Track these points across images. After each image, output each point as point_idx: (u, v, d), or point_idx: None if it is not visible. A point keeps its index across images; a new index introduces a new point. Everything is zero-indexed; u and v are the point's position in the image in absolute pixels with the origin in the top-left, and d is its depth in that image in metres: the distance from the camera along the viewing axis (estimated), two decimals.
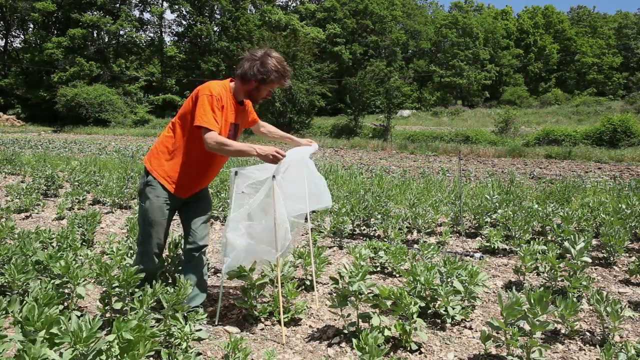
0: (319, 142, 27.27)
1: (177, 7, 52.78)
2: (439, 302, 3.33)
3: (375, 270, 4.45)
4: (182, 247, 3.33)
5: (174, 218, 3.26)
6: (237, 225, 3.12)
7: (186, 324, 2.67)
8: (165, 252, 3.79)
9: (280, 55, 3.12)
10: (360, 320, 3.07)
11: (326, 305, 3.60)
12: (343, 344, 3.01)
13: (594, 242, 5.28)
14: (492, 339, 2.78)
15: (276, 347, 2.98)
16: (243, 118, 3.27)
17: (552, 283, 3.86)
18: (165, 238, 3.16)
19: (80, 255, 3.89)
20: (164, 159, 3.05)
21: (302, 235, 4.26)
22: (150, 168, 3.06)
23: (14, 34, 52.55)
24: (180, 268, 3.61)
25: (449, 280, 3.46)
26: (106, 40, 50.70)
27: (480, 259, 4.87)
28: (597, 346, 2.96)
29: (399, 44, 58.36)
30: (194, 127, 2.91)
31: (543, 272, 4.15)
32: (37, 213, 6.89)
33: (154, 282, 2.83)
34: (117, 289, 2.97)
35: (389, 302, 2.95)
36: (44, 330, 1.98)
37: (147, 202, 3.03)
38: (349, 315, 3.20)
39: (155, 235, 3.07)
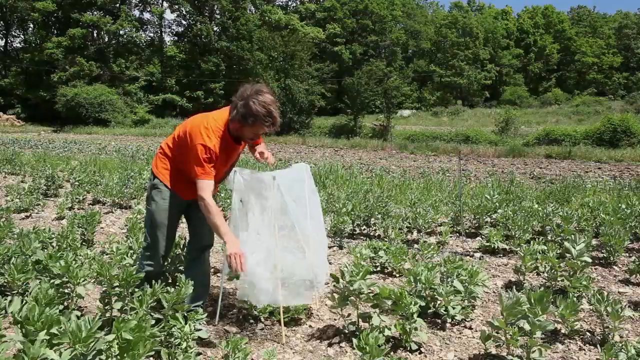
0: (318, 142, 27.45)
1: (177, 7, 52.76)
2: (439, 302, 3.32)
3: (375, 270, 4.45)
4: (187, 246, 3.34)
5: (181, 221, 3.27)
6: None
7: (186, 324, 2.67)
8: None
9: (272, 98, 2.86)
10: (360, 320, 3.07)
11: (326, 305, 3.60)
12: (343, 344, 3.01)
13: (594, 242, 5.27)
14: (492, 338, 2.78)
15: (276, 347, 2.98)
16: (240, 151, 3.22)
17: (552, 283, 3.86)
18: (172, 241, 3.16)
19: (80, 255, 3.89)
20: (168, 164, 3.08)
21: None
22: (156, 172, 3.08)
23: (14, 33, 52.53)
24: (180, 268, 3.62)
25: (449, 280, 3.46)
26: (106, 40, 50.66)
27: (480, 259, 4.87)
28: (597, 346, 2.96)
29: (399, 44, 58.35)
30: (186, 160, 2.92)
31: (543, 272, 4.15)
32: (37, 213, 6.89)
33: (153, 281, 2.83)
34: (117, 289, 2.97)
35: (389, 302, 2.95)
36: (44, 331, 1.98)
37: (153, 205, 3.04)
38: (349, 315, 3.20)
39: (162, 238, 3.07)
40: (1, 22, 50.30)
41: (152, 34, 55.28)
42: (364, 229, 6.06)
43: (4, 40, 51.42)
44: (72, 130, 37.12)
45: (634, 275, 4.23)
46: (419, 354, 2.91)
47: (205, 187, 2.82)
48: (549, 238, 5.17)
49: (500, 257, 4.98)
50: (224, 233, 2.85)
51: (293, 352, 2.94)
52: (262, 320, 3.35)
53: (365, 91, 31.49)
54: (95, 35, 49.77)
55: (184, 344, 2.61)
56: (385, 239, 5.38)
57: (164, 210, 3.03)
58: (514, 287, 3.83)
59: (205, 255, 3.22)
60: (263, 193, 3.11)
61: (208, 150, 2.81)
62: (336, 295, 3.06)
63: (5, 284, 3.30)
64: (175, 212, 3.10)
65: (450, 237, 5.70)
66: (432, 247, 4.41)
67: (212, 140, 2.84)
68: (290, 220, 3.12)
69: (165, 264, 3.46)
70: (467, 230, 6.02)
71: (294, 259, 3.15)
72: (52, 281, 3.06)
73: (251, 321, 3.35)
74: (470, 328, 3.26)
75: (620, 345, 2.57)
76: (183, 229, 3.75)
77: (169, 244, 3.12)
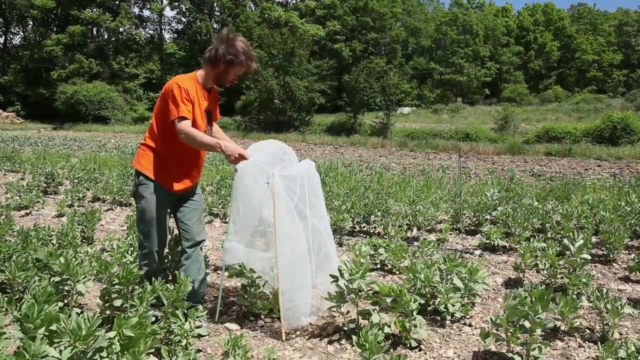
0: (318, 139, 27.43)
1: (176, 4, 52.67)
2: (438, 299, 3.33)
3: (375, 267, 4.45)
4: (181, 246, 3.34)
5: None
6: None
7: (186, 321, 2.68)
8: (166, 250, 3.79)
9: (247, 41, 3.09)
10: (360, 317, 3.08)
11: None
12: (343, 341, 3.01)
13: (593, 239, 5.28)
14: (492, 336, 2.79)
15: (276, 344, 2.98)
16: (214, 105, 3.26)
17: (552, 280, 3.87)
18: (165, 236, 3.16)
19: (80, 253, 3.89)
20: (152, 157, 3.06)
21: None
22: (140, 168, 3.06)
23: (13, 31, 52.48)
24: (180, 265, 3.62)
25: (448, 277, 3.46)
26: (106, 37, 50.59)
27: (480, 256, 4.88)
28: (597, 343, 2.96)
29: (399, 42, 58.21)
30: (170, 123, 2.91)
31: (543, 270, 4.15)
32: (37, 210, 6.89)
33: (153, 279, 2.84)
34: (117, 287, 2.97)
35: (388, 299, 2.95)
36: (44, 328, 1.98)
37: (142, 201, 3.04)
38: (348, 312, 3.21)
39: (155, 234, 3.07)
40: (0, 19, 50.17)
41: (151, 31, 55.27)
42: (364, 227, 6.06)
43: (3, 38, 51.39)
44: (72, 128, 37.09)
45: (634, 273, 4.23)
46: (419, 351, 2.91)
47: (184, 125, 2.86)
48: (549, 235, 5.17)
49: (500, 254, 4.98)
50: (215, 143, 2.92)
51: (293, 349, 2.95)
52: (262, 317, 3.35)
53: (364, 88, 31.39)
54: (94, 32, 49.70)
55: (184, 341, 2.61)
56: (385, 237, 5.38)
57: (153, 204, 3.03)
58: (514, 284, 3.84)
59: (198, 251, 3.24)
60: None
61: (183, 90, 2.89)
62: (335, 293, 3.07)
63: (5, 281, 3.31)
64: (165, 206, 3.10)
65: (450, 234, 5.70)
66: (432, 244, 4.41)
67: (184, 83, 2.93)
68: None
69: (166, 260, 3.46)
70: (467, 228, 6.02)
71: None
72: (52, 279, 3.07)
73: (251, 318, 3.35)
74: (470, 325, 3.26)
75: (620, 342, 2.57)
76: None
77: (162, 239, 3.12)
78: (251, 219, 3.19)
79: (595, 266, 4.57)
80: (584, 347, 2.96)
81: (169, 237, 3.33)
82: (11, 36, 52.62)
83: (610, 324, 3.00)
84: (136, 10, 52.88)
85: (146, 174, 3.03)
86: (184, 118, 2.86)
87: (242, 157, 2.92)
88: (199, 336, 2.98)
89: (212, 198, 6.77)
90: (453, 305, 3.26)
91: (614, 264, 4.61)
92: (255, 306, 3.34)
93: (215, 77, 3.07)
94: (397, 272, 4.35)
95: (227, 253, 3.15)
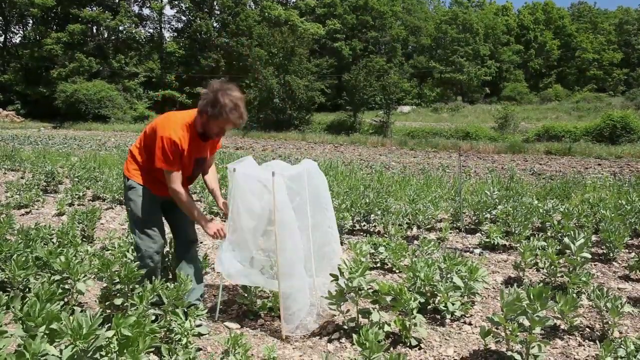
0: (318, 138, 27.41)
1: (176, 2, 52.61)
2: (438, 298, 3.33)
3: (375, 266, 4.46)
4: (174, 246, 3.37)
5: None
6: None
7: (186, 320, 2.68)
8: (166, 248, 3.79)
9: (240, 95, 2.93)
10: (360, 316, 3.08)
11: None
12: (343, 340, 3.02)
13: (593, 238, 5.28)
14: (492, 334, 2.79)
15: (276, 342, 2.98)
16: (211, 150, 3.25)
17: (552, 279, 3.87)
18: (161, 235, 3.16)
19: (80, 251, 3.90)
20: (137, 167, 3.13)
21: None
22: (128, 174, 3.14)
23: (13, 29, 52.37)
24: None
25: (448, 276, 3.46)
26: (105, 36, 50.53)
27: (480, 255, 4.88)
28: (597, 342, 2.96)
29: (399, 40, 58.14)
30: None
31: (543, 268, 4.16)
32: (37, 209, 6.89)
33: (153, 278, 2.84)
34: (117, 285, 2.98)
35: (388, 298, 2.96)
36: (44, 326, 1.98)
37: (132, 204, 3.10)
38: (348, 311, 3.21)
39: (150, 233, 3.08)
40: (0, 18, 50.12)
41: (151, 30, 55.16)
42: (364, 225, 6.06)
43: (3, 37, 51.26)
44: (72, 127, 37.06)
45: (634, 272, 4.24)
46: (419, 349, 2.91)
47: (173, 178, 2.94)
48: (549, 234, 5.17)
49: (500, 253, 4.98)
50: (198, 217, 3.05)
51: (293, 348, 2.95)
52: (262, 316, 3.36)
53: (364, 87, 31.37)
54: (94, 31, 49.65)
55: (185, 340, 2.62)
56: (385, 235, 5.39)
57: (143, 205, 3.09)
58: (514, 283, 3.84)
59: (193, 251, 3.29)
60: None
61: (173, 143, 2.87)
62: (335, 292, 3.07)
63: (6, 280, 3.31)
64: (154, 206, 3.14)
65: (450, 233, 5.70)
66: (432, 243, 4.41)
67: (177, 133, 2.90)
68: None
69: (166, 259, 3.47)
70: (467, 227, 6.02)
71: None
72: (52, 277, 3.07)
73: (251, 317, 3.35)
74: (470, 324, 3.26)
75: (620, 341, 2.57)
76: None
77: (158, 238, 3.12)
78: (251, 227, 3.20)
79: (595, 265, 4.57)
80: (583, 345, 2.96)
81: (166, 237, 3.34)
82: (11, 35, 52.55)
83: (610, 322, 3.00)
84: (136, 8, 52.87)
85: (134, 179, 3.11)
86: (171, 171, 2.93)
87: (219, 234, 3.06)
88: (199, 335, 2.98)
89: (212, 197, 6.76)
90: (453, 304, 3.26)
91: (614, 263, 4.61)
92: (255, 305, 3.34)
93: (201, 125, 3.00)
94: (397, 271, 4.35)
95: (220, 265, 3.13)
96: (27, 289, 3.28)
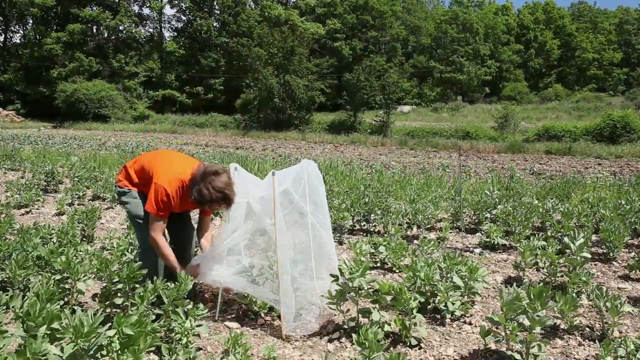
0: (318, 138, 27.40)
1: (176, 2, 52.60)
2: (438, 298, 3.33)
3: (375, 266, 4.46)
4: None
5: None
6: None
7: (187, 320, 2.68)
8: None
9: (226, 179, 2.95)
10: (360, 315, 3.08)
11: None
12: (343, 339, 3.02)
13: (593, 237, 5.28)
14: (492, 334, 2.79)
15: (276, 342, 2.99)
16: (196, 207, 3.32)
17: (552, 279, 3.87)
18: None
19: (80, 251, 3.90)
20: (131, 183, 3.28)
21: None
22: (121, 184, 3.29)
23: (13, 29, 52.32)
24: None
25: (448, 275, 3.46)
26: (105, 35, 50.50)
27: (480, 255, 4.88)
28: (597, 341, 2.97)
29: (399, 40, 58.13)
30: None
31: (543, 268, 4.16)
32: (37, 209, 6.89)
33: (154, 277, 2.85)
34: (118, 285, 2.98)
35: (388, 298, 2.96)
36: (45, 326, 1.99)
37: (129, 205, 3.25)
38: (348, 310, 3.21)
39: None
40: (0, 17, 50.09)
41: (151, 30, 55.16)
42: (364, 225, 6.06)
43: (3, 36, 51.23)
44: (72, 126, 37.05)
45: (634, 271, 4.24)
46: (419, 349, 2.92)
47: (156, 226, 3.05)
48: (549, 234, 5.18)
49: (500, 252, 4.99)
50: (174, 265, 3.13)
51: (293, 348, 2.95)
52: (262, 315, 3.36)
53: (364, 87, 31.36)
54: (94, 30, 49.62)
55: (185, 339, 2.62)
56: (385, 235, 5.39)
57: (139, 204, 3.22)
58: (514, 282, 3.84)
59: (189, 250, 3.49)
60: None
61: (166, 194, 3.00)
62: (335, 292, 3.07)
63: (6, 279, 3.31)
64: None
65: (450, 232, 5.70)
66: (432, 243, 4.41)
67: (172, 186, 3.02)
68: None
69: None
70: (467, 226, 6.03)
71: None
72: (52, 277, 3.07)
73: (251, 317, 3.35)
74: (470, 324, 3.27)
75: (620, 340, 2.58)
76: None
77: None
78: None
79: (595, 264, 4.57)
80: (583, 345, 2.97)
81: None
82: (11, 34, 52.52)
83: (610, 322, 3.00)
84: (136, 8, 52.87)
85: (127, 187, 3.27)
86: (158, 219, 3.04)
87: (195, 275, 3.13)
88: (199, 334, 2.98)
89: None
90: (453, 304, 3.26)
91: (614, 263, 4.61)
92: (255, 304, 3.34)
93: (193, 200, 3.07)
94: (397, 271, 4.35)
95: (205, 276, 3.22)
96: (27, 289, 3.28)
